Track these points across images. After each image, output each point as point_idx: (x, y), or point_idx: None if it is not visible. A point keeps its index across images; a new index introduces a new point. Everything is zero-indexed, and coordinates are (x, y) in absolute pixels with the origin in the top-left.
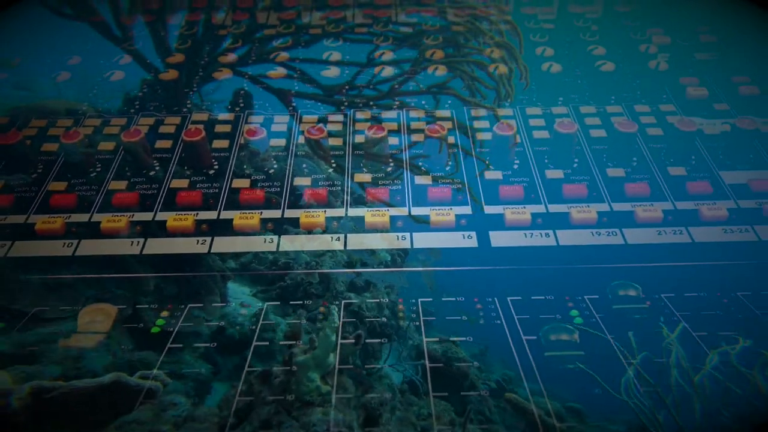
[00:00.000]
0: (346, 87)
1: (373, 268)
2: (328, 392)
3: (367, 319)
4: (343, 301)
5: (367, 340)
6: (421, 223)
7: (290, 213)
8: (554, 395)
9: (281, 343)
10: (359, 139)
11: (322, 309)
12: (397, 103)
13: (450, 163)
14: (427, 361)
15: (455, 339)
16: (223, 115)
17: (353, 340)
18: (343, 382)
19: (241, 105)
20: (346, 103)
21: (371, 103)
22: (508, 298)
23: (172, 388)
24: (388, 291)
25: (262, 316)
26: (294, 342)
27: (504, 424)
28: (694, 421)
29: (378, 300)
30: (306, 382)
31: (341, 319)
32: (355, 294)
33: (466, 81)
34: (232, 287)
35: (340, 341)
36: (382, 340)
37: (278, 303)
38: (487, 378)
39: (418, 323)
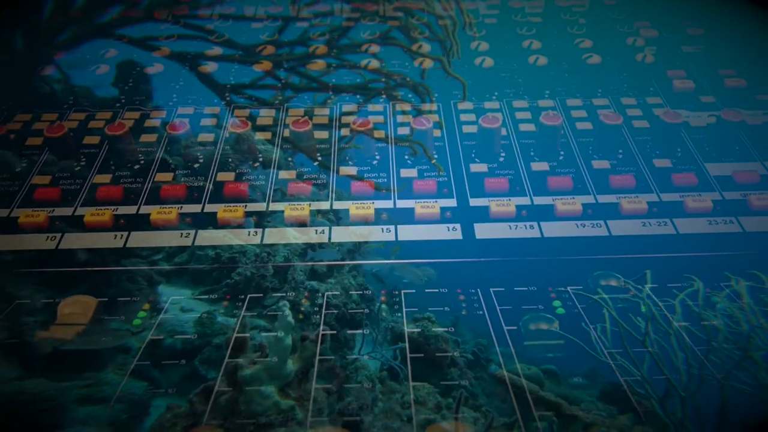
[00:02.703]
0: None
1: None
2: (291, 407)
3: (334, 308)
4: (304, 292)
5: (337, 330)
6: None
7: (274, 206)
8: (528, 360)
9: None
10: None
11: (304, 300)
12: (336, 63)
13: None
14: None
15: (431, 315)
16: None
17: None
18: (309, 391)
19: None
20: (285, 67)
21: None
22: (491, 289)
23: (83, 415)
24: (354, 274)
25: (208, 320)
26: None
27: (485, 393)
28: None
29: (343, 285)
30: (259, 400)
31: (299, 312)
32: (318, 282)
33: (410, 32)
34: (165, 291)
35: (299, 341)
36: (363, 329)
37: (227, 303)
38: (464, 351)
39: (397, 307)
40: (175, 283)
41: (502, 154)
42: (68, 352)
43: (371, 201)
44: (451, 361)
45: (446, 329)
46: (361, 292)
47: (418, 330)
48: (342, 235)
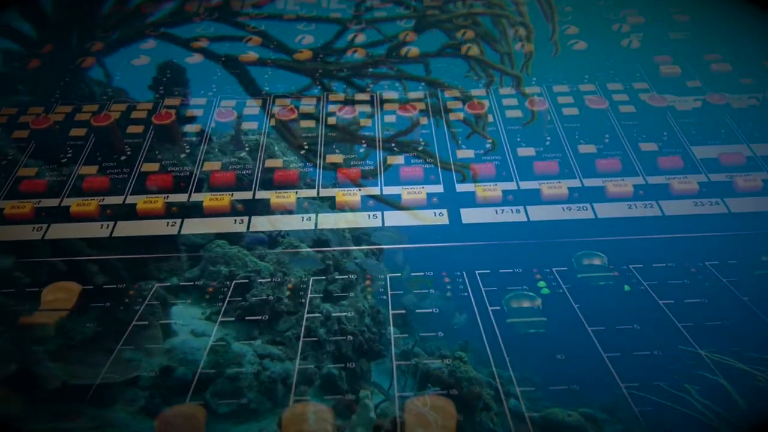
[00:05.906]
0: (320, 56)
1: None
2: None
3: (351, 337)
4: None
5: (350, 364)
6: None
7: (261, 194)
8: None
9: None
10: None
11: (290, 287)
12: (394, 69)
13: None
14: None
15: (463, 355)
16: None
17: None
18: None
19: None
20: (318, 71)
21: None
22: (477, 272)
23: None
24: (366, 294)
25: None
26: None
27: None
28: None
29: (354, 308)
30: None
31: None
32: (332, 304)
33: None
34: (176, 311)
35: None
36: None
37: (240, 326)
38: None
39: (382, 290)
40: (184, 300)
41: (489, 140)
42: (75, 386)
43: (357, 188)
44: (484, 405)
45: (431, 310)
46: (375, 317)
47: (448, 369)
48: (329, 221)
